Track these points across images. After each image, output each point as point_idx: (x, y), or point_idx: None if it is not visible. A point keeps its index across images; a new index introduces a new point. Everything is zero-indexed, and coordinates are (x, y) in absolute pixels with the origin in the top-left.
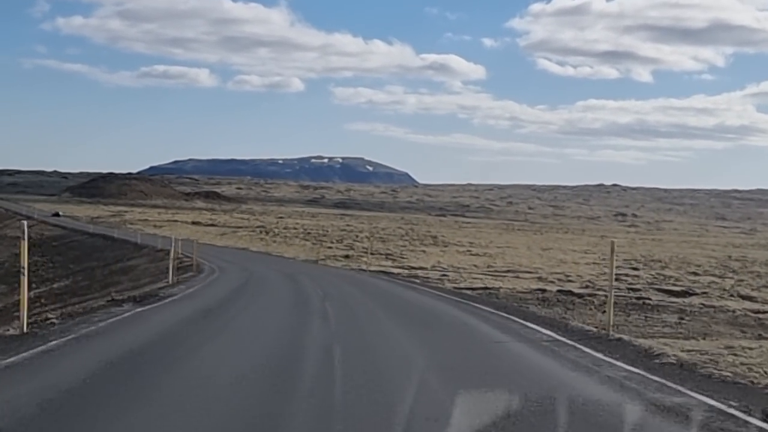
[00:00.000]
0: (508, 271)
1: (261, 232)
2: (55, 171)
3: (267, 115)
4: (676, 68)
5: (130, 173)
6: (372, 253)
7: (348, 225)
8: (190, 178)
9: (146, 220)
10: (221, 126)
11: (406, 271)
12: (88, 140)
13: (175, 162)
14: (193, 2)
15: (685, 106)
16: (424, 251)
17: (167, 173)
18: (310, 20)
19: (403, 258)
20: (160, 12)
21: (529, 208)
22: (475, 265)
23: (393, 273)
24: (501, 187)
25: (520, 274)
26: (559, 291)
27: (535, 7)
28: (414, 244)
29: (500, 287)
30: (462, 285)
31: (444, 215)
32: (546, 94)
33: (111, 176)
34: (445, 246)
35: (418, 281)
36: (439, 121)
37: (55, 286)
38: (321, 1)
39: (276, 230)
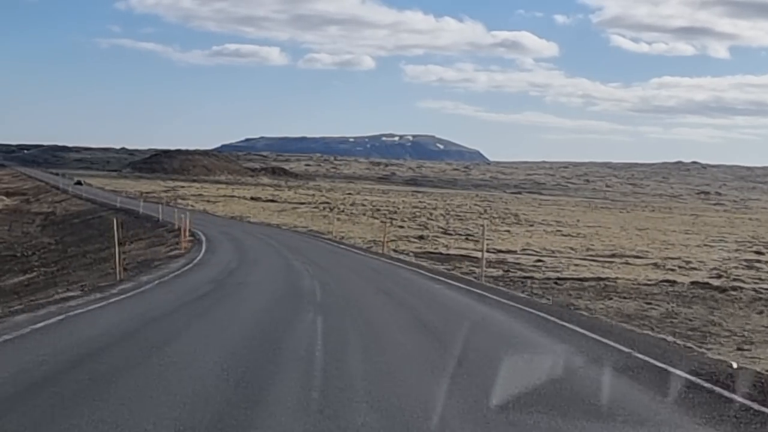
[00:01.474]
0: (612, 256)
1: (324, 208)
2: (123, 148)
3: (338, 93)
4: (755, 44)
5: (197, 150)
6: (449, 233)
7: (420, 202)
8: (259, 155)
9: (201, 195)
10: (292, 104)
11: (493, 255)
12: (160, 119)
13: (247, 140)
14: None
15: (764, 83)
16: (508, 231)
17: (238, 151)
18: None
19: (486, 239)
20: None
21: (607, 186)
22: (571, 248)
23: (476, 258)
24: (576, 165)
25: (629, 260)
26: (693, 283)
27: None
28: (495, 222)
29: (616, 278)
30: (565, 274)
31: (520, 193)
32: (619, 71)
33: (174, 152)
34: (531, 225)
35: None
36: (511, 98)
37: (32, 275)
38: None
39: (342, 207)
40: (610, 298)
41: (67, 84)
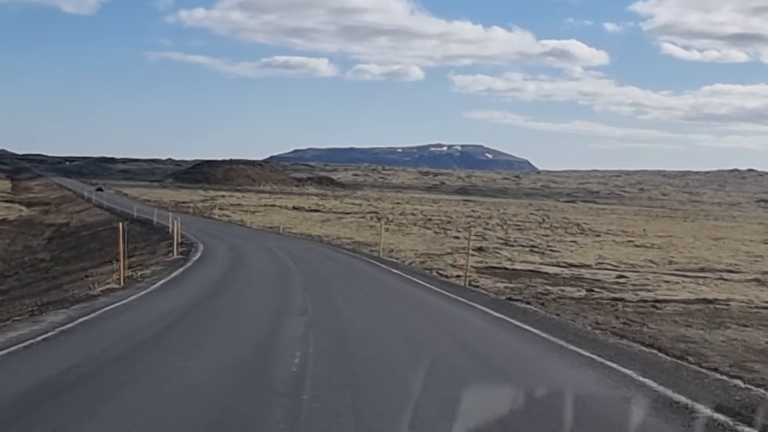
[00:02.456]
0: (702, 270)
1: (372, 218)
2: (169, 159)
3: (386, 104)
4: None
5: (241, 159)
6: (511, 244)
7: (473, 211)
8: (306, 165)
9: (240, 205)
10: (341, 115)
11: (567, 271)
12: (208, 131)
13: (295, 151)
14: None
15: None
16: (575, 242)
17: (286, 162)
18: (429, 8)
19: (553, 251)
20: (280, 2)
21: (663, 195)
22: (651, 261)
23: (547, 273)
24: (628, 173)
25: (723, 275)
26: None
27: None
28: (557, 233)
29: (727, 300)
30: (659, 294)
31: (574, 201)
32: (670, 79)
33: (218, 162)
34: (597, 236)
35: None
36: (559, 108)
37: None
38: None
39: (390, 216)
40: (727, 327)
41: (117, 97)
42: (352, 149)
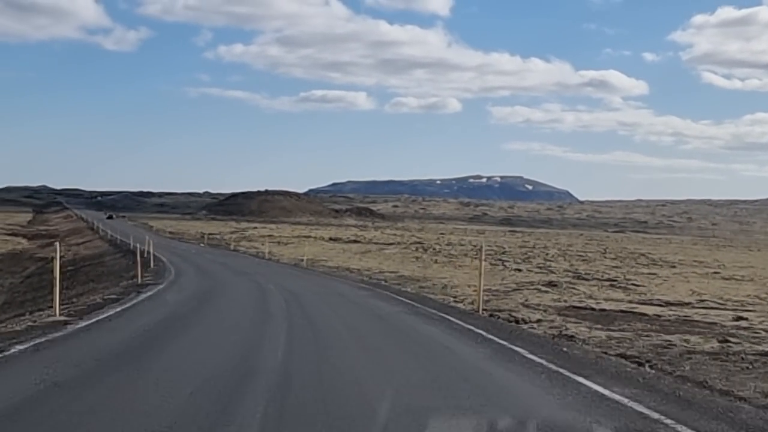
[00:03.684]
0: None
1: (417, 249)
2: (206, 192)
3: (424, 136)
4: None
5: (277, 191)
6: (584, 278)
7: (525, 241)
8: (345, 197)
9: (271, 236)
10: (379, 148)
11: (668, 311)
12: (247, 165)
13: (334, 184)
14: (350, 26)
15: None
16: (655, 274)
17: (324, 195)
18: (467, 40)
19: (636, 286)
20: (317, 37)
21: (712, 224)
22: (759, 298)
23: (645, 315)
24: (673, 203)
25: None
26: None
27: (698, 19)
28: (626, 263)
29: None
30: None
31: (623, 231)
32: (711, 109)
33: (253, 193)
34: (672, 266)
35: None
36: (599, 138)
37: None
38: (478, 21)
39: (437, 247)
40: None
41: (157, 132)
42: (390, 182)
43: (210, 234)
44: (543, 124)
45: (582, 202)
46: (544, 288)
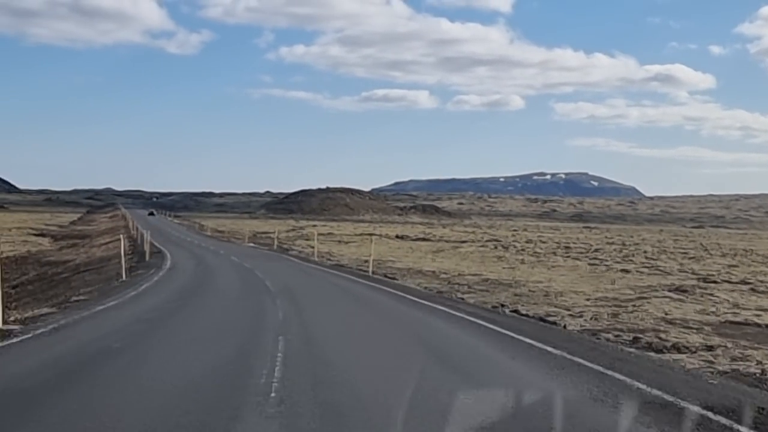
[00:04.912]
0: None
1: (496, 247)
2: (267, 192)
3: (487, 134)
4: None
5: (339, 188)
6: (716, 281)
7: (608, 238)
8: (408, 195)
9: (331, 234)
10: (441, 146)
11: None
12: (309, 165)
13: (396, 183)
14: (411, 25)
15: None
16: None
17: (387, 193)
18: (529, 37)
19: None
20: (378, 36)
21: None
22: None
23: None
24: (747, 197)
25: None
26: None
27: (766, 11)
28: (742, 261)
29: None
30: None
31: (702, 226)
32: None
33: (314, 190)
34: None
35: None
36: (665, 133)
37: None
38: (541, 16)
39: (517, 245)
40: None
41: (220, 134)
42: (453, 180)
43: (264, 233)
44: (608, 119)
45: (652, 198)
46: (672, 295)
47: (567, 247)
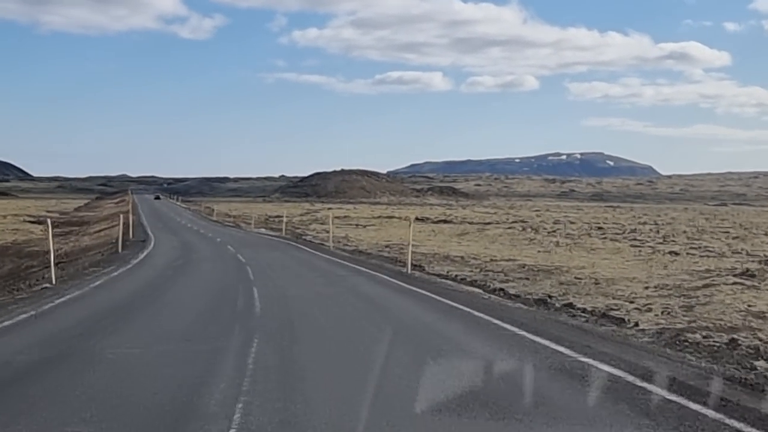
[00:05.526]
0: None
1: (524, 229)
2: (282, 176)
3: (501, 115)
4: None
5: (354, 170)
6: None
7: (636, 217)
8: (424, 177)
9: (347, 217)
10: (456, 128)
11: None
12: (324, 149)
13: (412, 166)
14: (424, 6)
15: None
16: None
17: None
18: (542, 16)
19: None
20: (392, 18)
21: None
22: None
23: None
24: (767, 174)
25: None
26: None
27: None
28: None
29: None
30: None
31: (725, 204)
32: None
33: (329, 173)
34: None
35: None
36: (680, 112)
37: None
38: None
39: (545, 226)
40: None
41: (234, 118)
42: (468, 161)
43: (276, 216)
44: (622, 99)
45: (670, 177)
46: (743, 281)
47: (599, 228)
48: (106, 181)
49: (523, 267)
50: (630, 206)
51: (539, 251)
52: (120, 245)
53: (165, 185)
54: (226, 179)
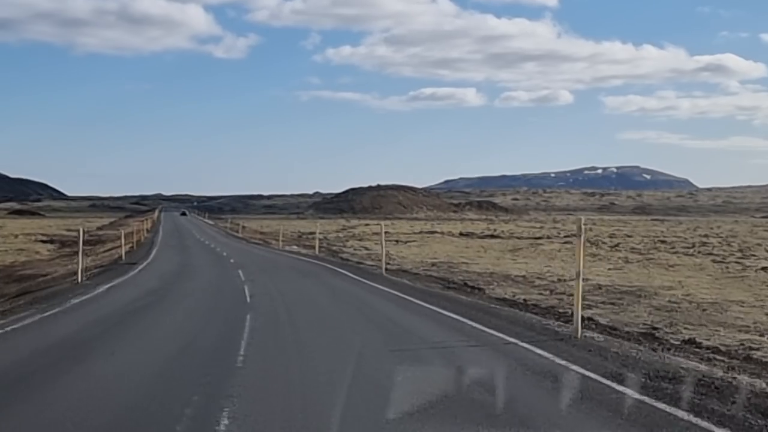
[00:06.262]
0: None
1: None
2: (316, 192)
3: (536, 129)
4: None
5: (390, 185)
6: None
7: (691, 230)
8: (460, 192)
9: (387, 232)
10: (490, 143)
11: None
12: (359, 166)
13: (447, 181)
14: (457, 22)
15: None
16: None
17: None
18: (577, 30)
19: None
20: (425, 35)
21: None
22: None
23: None
24: None
25: None
26: None
27: None
28: None
29: None
30: None
31: None
32: None
33: (364, 188)
34: None
35: None
36: (716, 124)
37: None
38: (588, 9)
39: (605, 241)
40: None
41: (269, 136)
42: (503, 176)
43: (310, 233)
44: (658, 112)
45: (710, 189)
46: None
47: (662, 242)
48: (140, 199)
49: (600, 288)
50: (676, 219)
51: (609, 269)
52: (83, 274)
53: (194, 203)
54: (260, 196)
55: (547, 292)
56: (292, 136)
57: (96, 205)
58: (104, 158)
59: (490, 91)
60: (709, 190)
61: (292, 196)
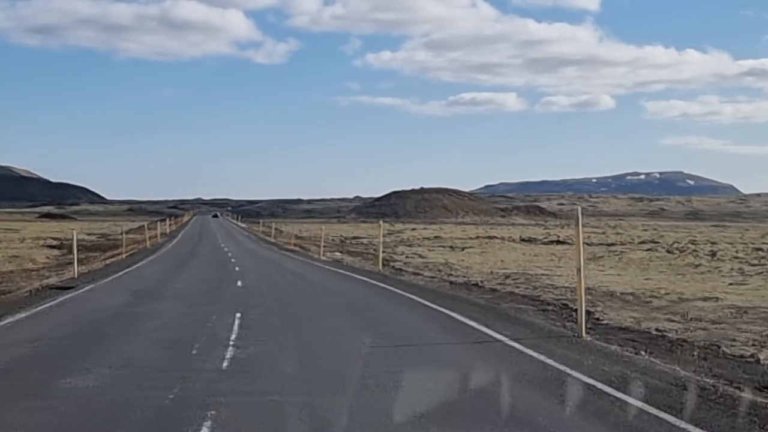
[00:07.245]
0: None
1: (670, 251)
2: (356, 196)
3: (576, 135)
4: None
5: (434, 188)
6: None
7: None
8: (504, 197)
9: (438, 238)
10: (530, 149)
11: None
12: (398, 171)
13: (486, 187)
14: (497, 27)
15: None
16: None
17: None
18: (618, 35)
19: None
20: (465, 39)
21: None
22: None
23: None
24: None
25: None
26: None
27: None
28: None
29: None
30: None
31: None
32: None
33: (408, 192)
34: None
35: None
36: (760, 129)
37: None
38: (630, 14)
39: (691, 248)
40: None
41: (308, 141)
42: (544, 182)
43: (355, 238)
44: (701, 117)
45: (759, 195)
46: None
47: (758, 249)
48: (179, 203)
49: (740, 310)
50: (739, 225)
51: (730, 284)
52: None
53: (229, 208)
54: (299, 201)
55: (678, 318)
56: (332, 141)
57: (134, 209)
58: (145, 162)
59: (530, 96)
60: (758, 195)
61: (332, 200)
